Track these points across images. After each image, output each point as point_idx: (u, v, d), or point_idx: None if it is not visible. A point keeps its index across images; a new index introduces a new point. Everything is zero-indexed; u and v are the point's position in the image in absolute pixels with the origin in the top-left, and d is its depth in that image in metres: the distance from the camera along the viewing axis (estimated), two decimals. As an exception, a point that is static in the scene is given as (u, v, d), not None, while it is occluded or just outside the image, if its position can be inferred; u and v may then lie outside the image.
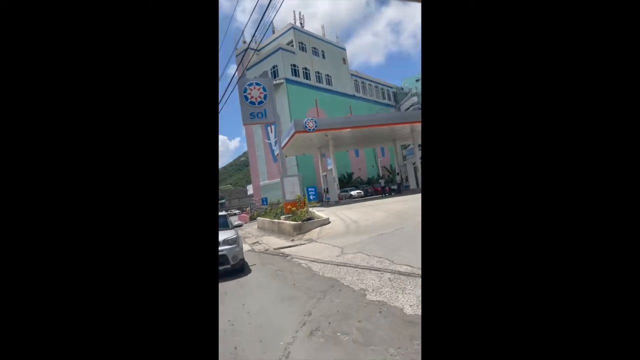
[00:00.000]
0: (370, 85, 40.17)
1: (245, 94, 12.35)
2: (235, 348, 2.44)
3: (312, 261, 5.25)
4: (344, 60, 37.37)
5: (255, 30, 14.50)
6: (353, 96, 36.54)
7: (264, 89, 12.53)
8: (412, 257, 4.18)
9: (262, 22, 6.50)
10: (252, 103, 12.35)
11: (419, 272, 3.57)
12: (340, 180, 27.06)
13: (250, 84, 12.47)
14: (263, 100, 12.44)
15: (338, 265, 4.63)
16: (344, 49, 38.17)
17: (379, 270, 3.94)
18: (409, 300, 2.85)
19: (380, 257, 4.56)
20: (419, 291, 3.02)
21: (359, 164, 33.63)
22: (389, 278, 3.58)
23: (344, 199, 18.20)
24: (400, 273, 3.68)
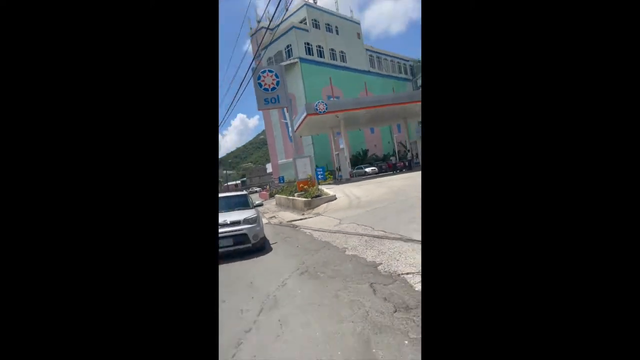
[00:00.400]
0: (385, 59, 39.57)
1: (259, 81, 13.31)
2: (251, 282, 3.68)
3: (314, 230, 6.45)
4: (359, 35, 36.87)
5: (275, 10, 15.14)
6: (368, 72, 36.37)
7: (276, 76, 13.43)
8: (389, 225, 5.27)
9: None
10: (266, 90, 13.32)
11: (390, 235, 4.67)
12: (355, 157, 27.94)
13: (264, 72, 13.39)
14: (276, 86, 13.37)
15: (333, 232, 5.80)
16: (358, 23, 37.53)
17: (361, 235, 5.08)
18: (372, 253, 3.98)
19: (366, 226, 5.68)
20: (382, 247, 4.14)
21: (374, 140, 34.10)
22: (366, 240, 4.72)
23: (355, 177, 19.20)
24: (374, 236, 4.81)
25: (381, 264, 3.52)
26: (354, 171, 21.06)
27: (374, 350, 1.89)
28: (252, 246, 5.08)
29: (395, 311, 2.35)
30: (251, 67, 13.68)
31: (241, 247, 4.98)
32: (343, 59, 34.12)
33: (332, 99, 28.83)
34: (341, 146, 18.36)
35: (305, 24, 31.45)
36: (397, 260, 3.53)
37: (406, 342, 1.93)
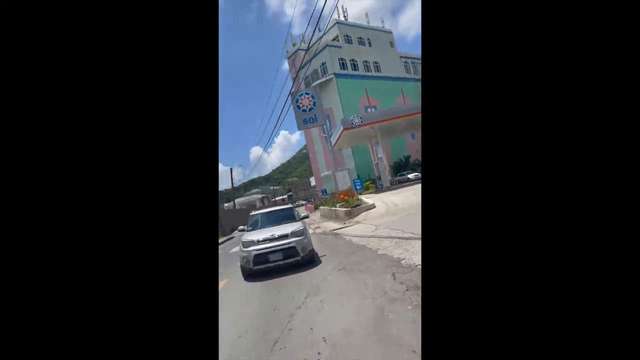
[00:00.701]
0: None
1: (297, 103, 14.59)
2: (300, 279, 4.57)
3: (353, 236, 7.22)
4: (391, 44, 37.36)
5: (312, 34, 16.48)
6: (404, 78, 36.53)
7: (313, 97, 14.62)
8: (418, 229, 5.84)
9: (313, 23, 8.46)
10: (304, 111, 14.55)
11: (417, 236, 5.28)
12: (397, 164, 28.12)
13: (301, 95, 14.67)
14: (313, 107, 14.54)
15: (369, 237, 6.52)
16: (390, 32, 38.08)
17: (392, 238, 5.74)
18: (399, 251, 4.66)
19: (398, 230, 6.32)
20: (408, 246, 4.79)
21: (416, 146, 33.78)
22: (396, 242, 5.38)
23: (397, 184, 19.51)
24: (404, 238, 5.45)
25: (404, 258, 4.20)
26: (397, 178, 21.37)
27: (385, 313, 2.64)
28: (302, 259, 5.11)
29: (407, 290, 3.06)
30: (291, 91, 15.04)
31: (291, 260, 5.04)
32: (377, 69, 34.78)
33: (369, 109, 29.54)
34: (379, 155, 18.90)
35: (338, 41, 32.84)
36: (418, 254, 4.17)
37: (409, 307, 2.65)
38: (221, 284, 5.47)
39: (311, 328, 2.71)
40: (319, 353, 2.24)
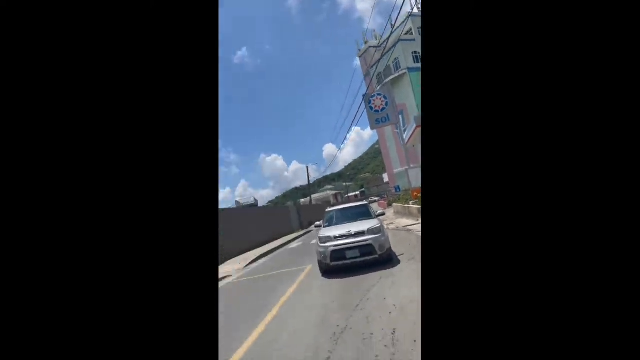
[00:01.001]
0: (507, 47, 35.70)
1: (370, 104, 15.26)
2: (376, 270, 5.37)
3: (425, 232, 7.67)
4: (471, 30, 34.82)
5: (389, 37, 17.07)
6: (486, 66, 33.73)
7: (385, 97, 15.11)
8: (490, 226, 6.08)
9: (384, 19, 9.06)
10: (377, 111, 15.15)
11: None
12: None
13: (373, 96, 15.30)
14: (385, 107, 15.04)
15: (440, 233, 6.92)
16: (470, 17, 35.45)
17: (462, 234, 6.10)
18: (466, 246, 5.10)
19: (469, 227, 6.60)
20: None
21: (500, 138, 31.10)
22: (465, 238, 5.76)
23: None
24: (473, 235, 5.78)
25: (469, 252, 4.65)
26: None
27: (445, 292, 3.29)
28: (379, 257, 5.07)
29: (466, 276, 3.61)
30: (365, 93, 15.76)
31: (368, 258, 5.03)
32: (455, 58, 32.87)
33: (445, 102, 28.28)
34: (456, 151, 18.28)
35: (412, 34, 32.04)
36: (483, 250, 4.58)
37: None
38: (307, 268, 6.61)
39: (384, 298, 3.52)
40: (390, 313, 3.05)
